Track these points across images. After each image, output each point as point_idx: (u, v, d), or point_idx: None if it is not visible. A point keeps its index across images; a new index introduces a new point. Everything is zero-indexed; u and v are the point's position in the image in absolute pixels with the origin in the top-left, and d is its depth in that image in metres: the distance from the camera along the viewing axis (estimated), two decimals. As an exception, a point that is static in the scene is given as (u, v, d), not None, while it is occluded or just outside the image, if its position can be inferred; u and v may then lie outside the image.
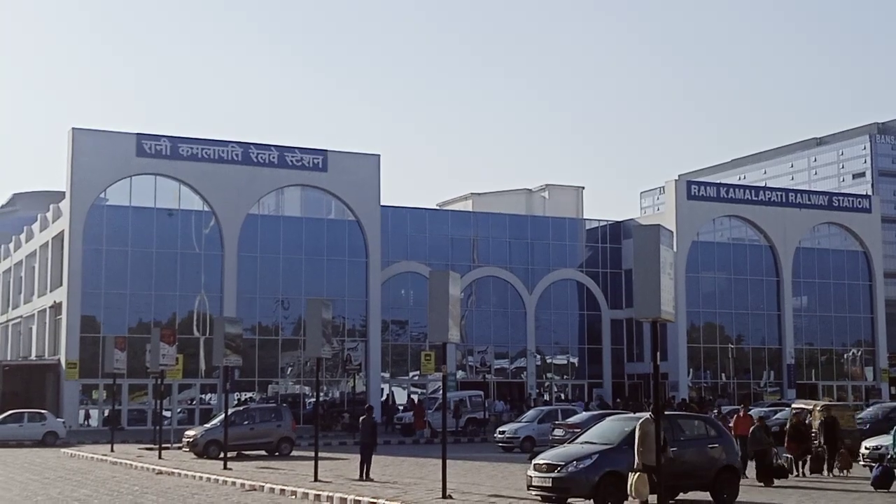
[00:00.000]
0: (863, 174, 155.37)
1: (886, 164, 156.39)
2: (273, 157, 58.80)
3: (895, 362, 74.06)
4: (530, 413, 44.75)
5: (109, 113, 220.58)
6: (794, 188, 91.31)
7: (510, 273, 66.63)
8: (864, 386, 71.55)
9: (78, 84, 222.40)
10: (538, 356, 67.15)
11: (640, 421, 17.40)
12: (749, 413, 30.47)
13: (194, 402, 56.65)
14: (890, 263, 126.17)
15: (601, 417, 28.33)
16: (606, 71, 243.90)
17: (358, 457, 27.11)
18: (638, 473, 16.81)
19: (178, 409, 55.74)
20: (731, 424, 29.50)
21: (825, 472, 27.37)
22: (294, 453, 37.46)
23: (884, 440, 27.59)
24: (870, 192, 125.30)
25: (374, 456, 27.12)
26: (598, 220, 72.32)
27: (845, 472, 27.10)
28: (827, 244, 72.95)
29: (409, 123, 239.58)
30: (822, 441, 27.87)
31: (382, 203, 61.65)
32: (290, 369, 59.71)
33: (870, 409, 42.69)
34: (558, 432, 35.44)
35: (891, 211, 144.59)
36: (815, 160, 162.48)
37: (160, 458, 34.72)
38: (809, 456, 27.79)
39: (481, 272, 65.85)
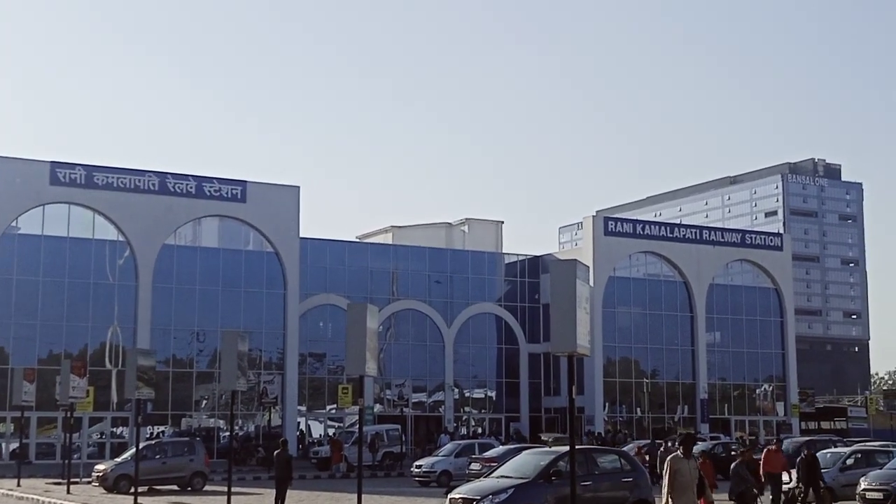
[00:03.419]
0: (775, 213, 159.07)
1: (798, 203, 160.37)
2: (191, 187, 58.17)
3: (805, 398, 75.46)
4: (447, 447, 44.60)
5: (23, 140, 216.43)
6: (708, 225, 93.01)
7: (429, 306, 66.62)
8: (776, 421, 72.72)
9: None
10: (456, 390, 67.12)
11: (671, 457, 15.07)
12: (781, 449, 27.58)
13: (105, 436, 55.42)
14: (800, 300, 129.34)
15: (517, 451, 28.32)
16: (526, 107, 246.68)
17: (273, 491, 26.74)
18: None
19: (89, 443, 54.48)
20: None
21: None
22: (207, 488, 36.81)
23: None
24: (781, 231, 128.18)
25: (289, 491, 26.78)
26: (517, 255, 72.76)
27: None
28: (740, 281, 74.20)
29: (329, 156, 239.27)
30: (800, 480, 26.14)
31: (302, 235, 61.28)
32: (204, 402, 58.80)
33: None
34: (475, 466, 35.35)
35: (802, 249, 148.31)
36: (729, 198, 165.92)
37: (69, 493, 33.83)
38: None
39: (400, 305, 65.75)
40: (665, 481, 14.78)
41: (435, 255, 68.86)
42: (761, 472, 25.44)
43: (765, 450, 27.58)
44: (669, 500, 14.66)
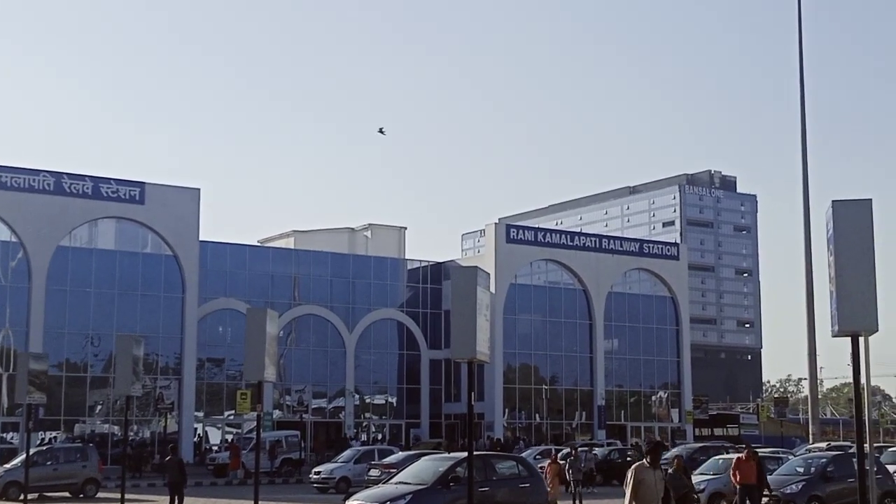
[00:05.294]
0: (672, 223, 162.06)
1: (694, 214, 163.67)
2: (87, 188, 56.97)
3: (699, 405, 77.07)
4: (346, 453, 44.45)
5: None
6: (608, 234, 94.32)
7: (331, 312, 66.30)
8: (671, 427, 74.12)
9: None
10: (357, 396, 66.91)
11: (635, 466, 13.63)
12: (752, 456, 25.29)
13: (-6, 442, 53.95)
14: (696, 309, 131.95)
15: (416, 457, 28.39)
16: (428, 114, 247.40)
17: (167, 498, 26.35)
18: None
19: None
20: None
21: None
22: (100, 495, 36.18)
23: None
24: (678, 241, 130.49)
25: (186, 499, 26.41)
26: (420, 261, 72.91)
27: None
28: (637, 289, 75.45)
29: (231, 159, 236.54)
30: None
31: (201, 238, 60.51)
32: (98, 408, 57.63)
33: (675, 449, 44.22)
34: (374, 472, 35.33)
35: (697, 259, 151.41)
36: (628, 208, 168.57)
37: (-46, 500, 32.89)
38: None
39: (302, 310, 65.29)
40: (627, 491, 13.39)
41: (337, 261, 68.57)
42: (734, 483, 24.32)
43: (735, 459, 25.85)
44: None
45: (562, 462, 33.11)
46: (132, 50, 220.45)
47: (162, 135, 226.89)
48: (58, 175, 56.42)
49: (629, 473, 13.50)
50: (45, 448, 39.81)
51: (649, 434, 72.61)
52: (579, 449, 36.87)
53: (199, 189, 60.35)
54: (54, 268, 55.77)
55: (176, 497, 25.97)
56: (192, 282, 59.39)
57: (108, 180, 57.91)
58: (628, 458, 45.57)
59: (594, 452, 44.30)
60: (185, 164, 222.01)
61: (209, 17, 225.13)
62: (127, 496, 26.14)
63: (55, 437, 54.08)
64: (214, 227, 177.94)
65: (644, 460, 13.64)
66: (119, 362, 24.94)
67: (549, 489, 25.37)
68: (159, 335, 57.44)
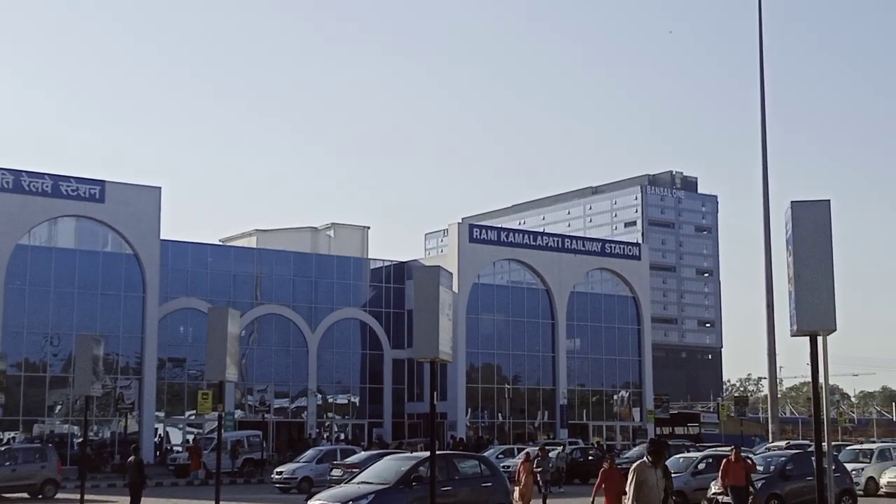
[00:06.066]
0: (634, 223, 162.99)
1: (656, 214, 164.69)
2: (47, 186, 56.37)
3: (660, 404, 77.52)
4: (309, 453, 44.32)
5: None
6: (570, 234, 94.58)
7: (293, 311, 66.07)
8: (632, 426, 74.53)
9: None
10: (319, 395, 66.71)
11: (636, 465, 13.13)
12: (742, 457, 24.76)
13: (-49, 443, 53.26)
14: (657, 309, 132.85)
15: (379, 457, 28.36)
16: (391, 114, 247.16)
17: (127, 499, 26.17)
18: None
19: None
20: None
21: None
22: (59, 496, 35.84)
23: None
24: (640, 241, 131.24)
25: (145, 499, 26.23)
26: (383, 261, 72.81)
27: None
28: (599, 289, 75.74)
29: (193, 158, 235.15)
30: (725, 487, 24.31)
31: (162, 237, 60.07)
32: (58, 408, 57.08)
33: (636, 448, 44.54)
34: (336, 472, 35.24)
35: (659, 259, 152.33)
36: (591, 208, 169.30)
37: None
38: None
39: (264, 310, 65.01)
40: (629, 492, 12.91)
41: (300, 260, 68.34)
42: (723, 484, 24.01)
43: (723, 460, 25.18)
44: None
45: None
46: (92, 49, 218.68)
47: (123, 133, 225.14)
48: (17, 173, 55.80)
49: (630, 474, 13.06)
50: (3, 448, 39.38)
51: (611, 433, 73.02)
52: (546, 447, 36.90)
53: (160, 188, 59.95)
54: (13, 266, 55.19)
55: (133, 499, 25.79)
56: (153, 281, 58.98)
57: (67, 178, 57.36)
58: (590, 458, 46.02)
59: (566, 451, 44.43)
60: (145, 162, 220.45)
61: (171, 18, 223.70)
62: (86, 497, 25.91)
63: (14, 438, 53.50)
64: (176, 225, 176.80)
65: (645, 459, 13.18)
66: (79, 362, 24.73)
67: (523, 489, 25.36)
68: (120, 335, 56.98)
